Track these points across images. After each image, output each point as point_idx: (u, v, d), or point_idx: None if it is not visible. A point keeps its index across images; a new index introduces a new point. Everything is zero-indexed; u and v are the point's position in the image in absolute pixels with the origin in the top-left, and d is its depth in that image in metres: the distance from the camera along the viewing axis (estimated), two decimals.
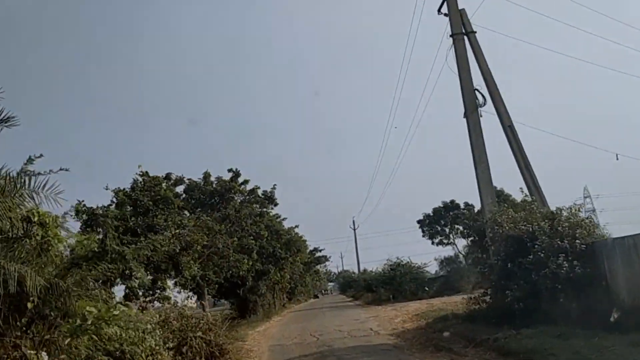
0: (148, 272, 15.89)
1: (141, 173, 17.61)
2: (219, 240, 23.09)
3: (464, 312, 17.07)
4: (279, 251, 34.05)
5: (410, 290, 38.81)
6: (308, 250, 58.43)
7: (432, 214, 43.14)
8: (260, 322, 29.80)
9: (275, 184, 24.80)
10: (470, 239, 40.29)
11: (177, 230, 17.10)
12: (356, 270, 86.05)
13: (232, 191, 21.97)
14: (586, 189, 63.44)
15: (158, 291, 16.31)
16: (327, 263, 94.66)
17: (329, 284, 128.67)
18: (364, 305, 37.57)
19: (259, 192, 24.31)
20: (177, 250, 16.34)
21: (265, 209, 24.99)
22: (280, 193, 27.68)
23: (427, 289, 39.57)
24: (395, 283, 38.65)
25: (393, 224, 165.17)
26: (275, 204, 25.05)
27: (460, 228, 41.97)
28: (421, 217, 43.39)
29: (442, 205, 42.82)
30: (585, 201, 61.10)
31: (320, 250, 68.87)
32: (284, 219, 37.80)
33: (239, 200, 23.58)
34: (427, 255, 49.17)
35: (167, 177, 21.57)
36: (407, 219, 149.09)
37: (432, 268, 44.84)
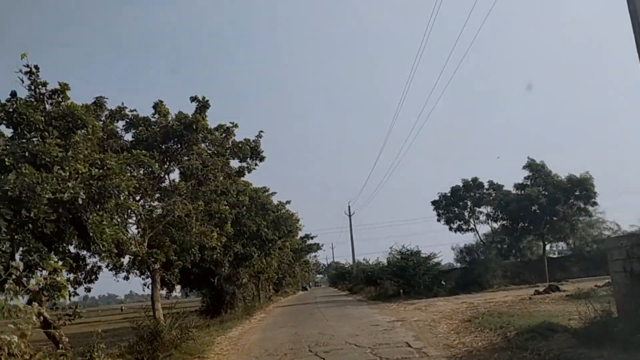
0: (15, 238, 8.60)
1: (29, 70, 10.16)
2: (177, 207, 15.76)
3: (578, 325, 10.03)
4: (264, 231, 26.78)
5: (424, 285, 31.86)
6: (299, 236, 51.51)
7: (449, 194, 36.07)
8: (237, 321, 22.62)
9: (261, 131, 17.45)
10: (502, 222, 33.32)
11: (84, 168, 9.78)
12: (348, 262, 78.89)
13: (196, 130, 14.60)
14: None
15: (41, 273, 9.01)
16: (317, 253, 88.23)
17: (318, 276, 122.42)
18: (369, 302, 30.45)
19: (235, 135, 16.85)
20: (80, 202, 9.05)
21: (246, 165, 17.57)
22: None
23: (443, 283, 32.59)
24: (406, 275, 31.65)
25: (391, 215, 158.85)
26: (261, 159, 17.69)
27: (484, 211, 35.01)
28: (437, 198, 36.29)
29: (461, 185, 35.76)
30: None
31: (311, 237, 62.07)
32: (273, 193, 30.52)
33: (208, 149, 16.15)
34: (437, 247, 41.60)
35: (98, 103, 14.21)
36: (410, 207, 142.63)
37: (447, 259, 37.85)
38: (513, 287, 30.05)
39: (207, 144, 15.42)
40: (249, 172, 17.11)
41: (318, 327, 16.09)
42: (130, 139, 15.89)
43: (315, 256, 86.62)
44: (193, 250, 19.34)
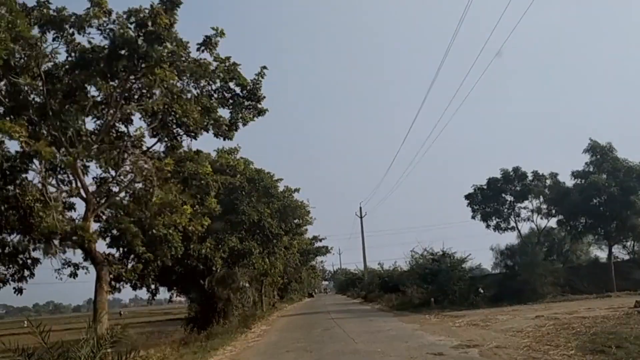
0: None
1: None
2: (137, 171, 10.40)
3: None
4: (267, 221, 21.38)
5: (460, 293, 26.33)
6: (308, 235, 46.10)
7: (485, 187, 30.52)
8: (228, 336, 17.25)
9: (265, 66, 11.81)
10: (559, 217, 27.69)
11: None
12: (358, 268, 73.10)
13: (159, 38, 9.12)
14: None
15: None
16: (324, 258, 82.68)
17: (324, 282, 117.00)
18: (395, 312, 24.91)
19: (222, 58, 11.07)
20: None
21: (240, 115, 11.92)
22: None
23: (481, 291, 27.00)
24: (439, 281, 26.14)
25: (408, 219, 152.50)
26: (260, 111, 12.06)
27: (529, 206, 29.43)
28: (471, 191, 30.75)
29: (500, 176, 30.21)
30: None
31: (320, 240, 56.59)
32: (280, 179, 25.12)
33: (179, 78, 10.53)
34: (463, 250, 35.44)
35: None
36: (430, 211, 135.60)
37: (484, 263, 32.22)
38: (572, 297, 24.48)
39: (178, 67, 10.01)
40: (244, 124, 11.72)
41: (346, 353, 10.63)
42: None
43: (322, 262, 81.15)
44: (170, 237, 14.22)
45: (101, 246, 14.29)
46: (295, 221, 25.82)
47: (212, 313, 21.48)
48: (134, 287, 19.08)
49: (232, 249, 20.70)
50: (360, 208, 67.16)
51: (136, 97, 10.83)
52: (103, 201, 11.20)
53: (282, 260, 35.28)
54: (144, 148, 11.22)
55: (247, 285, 25.94)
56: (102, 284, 10.90)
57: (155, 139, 11.66)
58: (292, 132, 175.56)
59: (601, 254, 32.35)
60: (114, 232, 13.51)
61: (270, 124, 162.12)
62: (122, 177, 10.71)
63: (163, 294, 24.74)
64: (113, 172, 10.94)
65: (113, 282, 12.54)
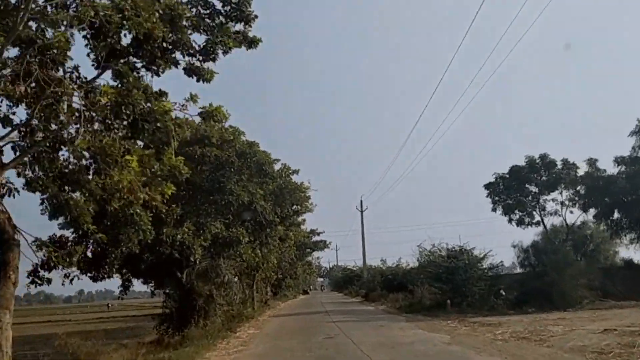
0: None
1: None
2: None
3: None
4: (260, 204, 17.88)
5: (480, 295, 22.93)
6: (305, 227, 42.74)
7: (508, 176, 27.09)
8: (206, 342, 13.78)
9: None
10: (596, 210, 24.23)
11: None
12: (356, 265, 69.64)
13: None
14: None
15: None
16: (320, 255, 79.40)
17: (319, 279, 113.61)
18: (405, 315, 21.46)
19: None
20: None
21: (218, 37, 8.35)
22: None
23: (503, 293, 23.59)
24: (456, 280, 22.71)
25: (412, 216, 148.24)
26: (248, 19, 8.49)
27: (559, 198, 25.99)
28: (492, 179, 27.31)
29: (525, 163, 26.76)
30: None
31: (318, 234, 53.17)
32: (276, 160, 21.54)
33: None
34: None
35: None
36: (435, 208, 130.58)
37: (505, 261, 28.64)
38: (616, 303, 21.11)
39: None
40: (225, 53, 8.27)
41: None
42: None
43: (318, 258, 77.76)
44: (137, 218, 11.12)
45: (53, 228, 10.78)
46: (293, 207, 22.32)
47: (191, 311, 17.97)
48: (95, 279, 15.71)
49: (215, 236, 17.21)
50: (361, 202, 63.83)
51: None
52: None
53: (276, 253, 31.85)
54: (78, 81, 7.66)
55: (235, 280, 22.48)
56: (7, 271, 7.38)
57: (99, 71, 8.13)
58: (284, 117, 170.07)
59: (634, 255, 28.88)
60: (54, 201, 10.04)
61: (267, 105, 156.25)
62: (44, 117, 7.18)
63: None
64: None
65: (40, 271, 9.01)
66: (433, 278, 24.20)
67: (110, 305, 68.82)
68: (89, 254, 14.96)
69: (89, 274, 15.01)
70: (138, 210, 14.05)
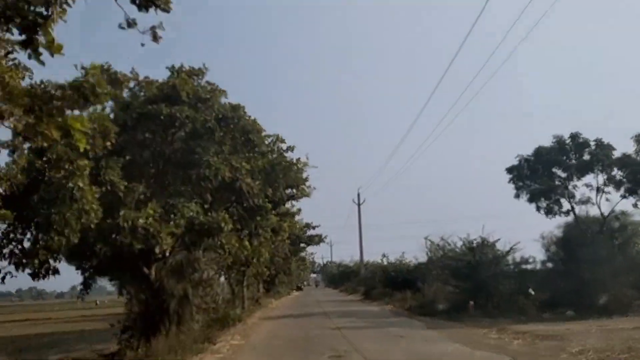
0: None
1: None
2: None
3: None
4: (246, 183, 14.29)
5: (506, 294, 19.53)
6: (300, 218, 39.34)
7: (532, 157, 23.61)
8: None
9: None
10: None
11: None
12: (353, 260, 66.25)
13: None
14: None
15: None
16: (314, 250, 76.16)
17: (312, 275, 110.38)
18: (420, 319, 18.02)
19: None
20: None
21: None
22: None
23: (532, 292, 20.18)
24: (480, 278, 19.26)
25: (402, 215, 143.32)
26: None
27: (593, 183, 22.56)
28: (515, 162, 23.82)
29: (553, 142, 23.30)
30: None
31: (314, 227, 49.63)
32: (270, 135, 17.90)
33: None
34: None
35: None
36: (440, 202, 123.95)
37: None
38: None
39: None
40: None
41: None
42: None
43: (312, 253, 74.42)
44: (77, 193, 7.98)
45: None
46: (288, 191, 18.78)
47: (160, 316, 14.43)
48: (34, 275, 12.16)
49: (190, 223, 13.62)
50: (359, 194, 60.39)
51: None
52: None
53: (268, 246, 28.36)
54: None
55: (221, 277, 18.96)
56: None
57: None
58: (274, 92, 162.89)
59: None
60: None
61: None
62: None
63: None
64: None
65: None
66: (450, 274, 20.77)
67: (98, 302, 65.44)
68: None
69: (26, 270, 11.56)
70: (81, 184, 10.79)
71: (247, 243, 19.72)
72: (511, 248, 20.44)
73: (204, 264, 15.77)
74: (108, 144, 11.23)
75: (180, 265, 15.53)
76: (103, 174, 12.31)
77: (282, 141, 16.15)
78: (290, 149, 17.78)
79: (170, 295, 14.42)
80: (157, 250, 12.55)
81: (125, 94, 14.00)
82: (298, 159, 16.63)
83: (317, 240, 54.84)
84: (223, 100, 14.13)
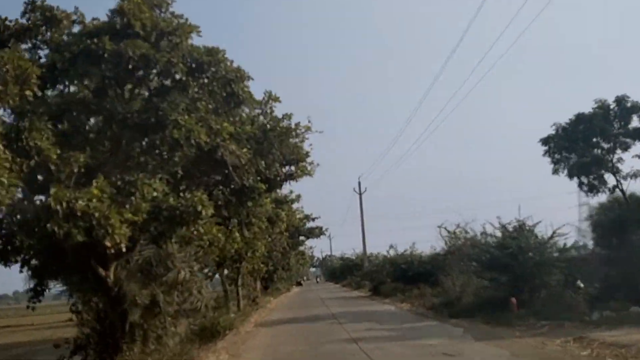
0: None
1: None
2: None
3: None
4: (229, 150, 10.66)
5: (555, 288, 16.04)
6: (300, 207, 36.03)
7: (570, 125, 20.09)
8: None
9: None
10: None
11: None
12: (355, 253, 62.69)
13: None
14: None
15: None
16: (312, 245, 72.84)
17: (311, 269, 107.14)
18: (455, 322, 14.57)
19: None
20: None
21: None
22: None
23: (582, 285, 16.65)
24: (522, 271, 15.72)
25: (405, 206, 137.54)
26: None
27: None
28: (552, 132, 20.32)
29: (595, 108, 19.78)
30: None
31: (313, 219, 46.29)
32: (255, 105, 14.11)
33: None
34: None
35: None
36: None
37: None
38: None
39: None
40: None
41: None
42: None
43: (311, 247, 71.08)
44: None
45: None
46: (286, 169, 15.17)
47: (121, 332, 10.91)
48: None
49: (156, 206, 10.03)
50: (360, 183, 56.84)
51: None
52: None
53: (264, 239, 24.89)
54: None
55: (202, 276, 15.37)
56: None
57: None
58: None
59: None
60: None
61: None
62: None
63: None
64: None
65: None
66: (485, 265, 17.27)
67: None
68: None
69: None
70: None
71: (237, 234, 16.21)
72: (554, 232, 16.94)
73: (181, 261, 12.21)
74: (28, 93, 7.91)
75: (148, 263, 12.00)
76: (25, 138, 8.77)
77: (276, 99, 12.53)
78: (287, 117, 14.12)
79: (133, 303, 10.88)
80: (107, 243, 8.96)
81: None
82: (297, 124, 13.02)
83: (318, 232, 51.39)
84: (196, 42, 10.53)
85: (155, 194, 9.72)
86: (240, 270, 25.41)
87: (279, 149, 12.63)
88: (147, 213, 9.90)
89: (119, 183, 9.59)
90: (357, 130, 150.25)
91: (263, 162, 12.06)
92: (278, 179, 14.53)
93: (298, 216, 37.16)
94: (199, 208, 10.14)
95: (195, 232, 10.75)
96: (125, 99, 10.41)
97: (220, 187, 14.09)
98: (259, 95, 12.60)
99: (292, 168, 15.00)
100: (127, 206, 9.34)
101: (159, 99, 10.12)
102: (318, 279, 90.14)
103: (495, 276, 16.88)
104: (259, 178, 13.29)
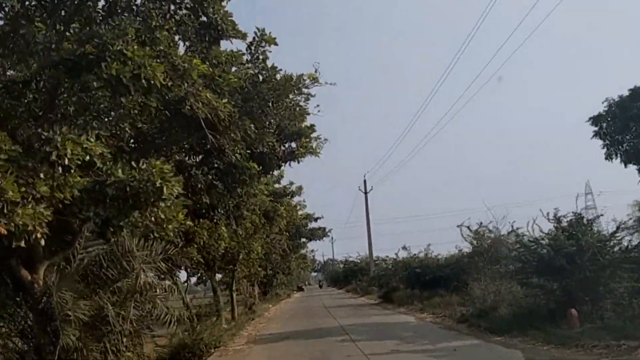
0: None
1: None
2: None
3: None
4: (203, 100, 7.41)
5: (622, 296, 12.78)
6: (302, 200, 32.94)
7: (625, 104, 16.89)
8: None
9: None
10: None
11: None
12: (360, 256, 59.26)
13: None
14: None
15: None
16: (314, 248, 69.76)
17: (312, 274, 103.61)
18: (508, 344, 11.26)
19: None
20: None
21: None
22: None
23: None
24: (581, 274, 12.46)
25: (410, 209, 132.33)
26: None
27: None
28: (603, 109, 17.13)
29: None
30: None
31: (316, 219, 43.14)
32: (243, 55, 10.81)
33: None
34: None
35: None
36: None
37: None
38: None
39: None
40: None
41: None
42: None
43: (312, 251, 67.91)
44: None
45: None
46: (287, 145, 11.91)
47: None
48: None
49: (96, 180, 6.82)
50: (365, 182, 53.61)
51: None
52: None
53: (261, 239, 21.79)
54: None
55: (175, 284, 12.10)
56: None
57: None
58: None
59: None
60: None
61: None
62: None
63: None
64: None
65: None
66: (528, 269, 13.98)
67: None
68: None
69: None
70: None
71: (223, 229, 12.98)
72: (618, 227, 13.66)
73: (142, 262, 8.98)
74: None
75: (96, 264, 8.82)
76: None
77: (272, 41, 9.20)
78: (290, 77, 10.79)
79: (66, 320, 7.65)
80: (2, 230, 5.74)
81: None
82: (301, 75, 9.71)
83: (321, 234, 48.13)
84: None
85: (88, 158, 6.50)
86: (235, 275, 22.33)
87: (274, 106, 9.37)
88: (82, 190, 6.70)
89: (31, 139, 6.38)
90: (361, 127, 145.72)
91: (253, 126, 8.83)
92: (275, 157, 11.32)
93: (300, 212, 33.90)
94: (158, 183, 6.92)
95: (153, 219, 7.50)
96: (55, 29, 7.25)
97: (202, 168, 10.89)
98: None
99: (292, 145, 11.77)
100: (42, 175, 6.14)
101: (100, 26, 6.95)
102: (321, 284, 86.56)
103: (545, 282, 13.62)
104: (249, 152, 10.06)
